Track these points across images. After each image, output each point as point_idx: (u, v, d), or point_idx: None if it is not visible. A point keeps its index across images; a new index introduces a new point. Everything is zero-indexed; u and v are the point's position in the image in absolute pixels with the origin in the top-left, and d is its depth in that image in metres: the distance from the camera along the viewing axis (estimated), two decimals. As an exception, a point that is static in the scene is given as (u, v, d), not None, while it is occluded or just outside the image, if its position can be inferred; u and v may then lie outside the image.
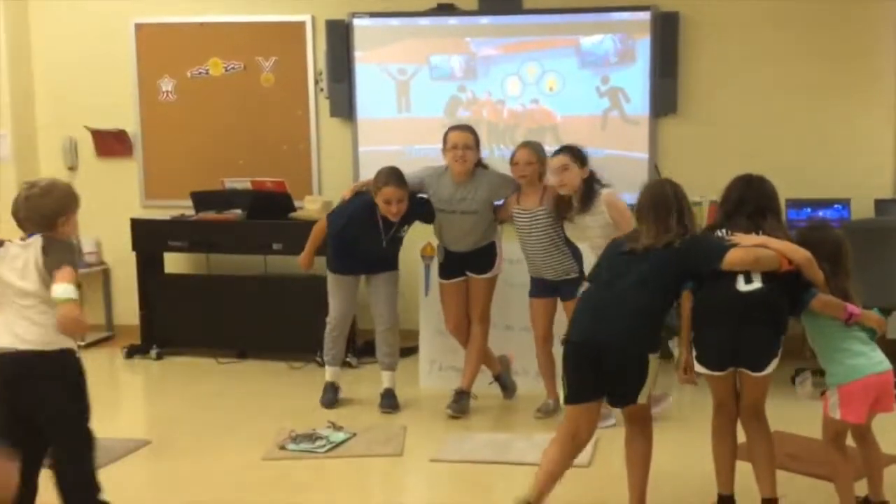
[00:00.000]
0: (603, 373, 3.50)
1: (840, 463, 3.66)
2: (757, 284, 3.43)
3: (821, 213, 5.92)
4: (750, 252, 3.45)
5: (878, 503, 3.75)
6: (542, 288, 5.07)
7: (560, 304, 5.08)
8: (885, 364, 3.57)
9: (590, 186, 4.81)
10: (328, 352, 5.52)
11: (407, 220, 5.23)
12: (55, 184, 3.48)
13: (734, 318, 3.45)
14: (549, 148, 5.25)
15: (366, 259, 5.34)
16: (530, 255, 5.09)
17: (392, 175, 5.08)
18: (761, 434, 3.69)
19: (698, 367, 3.58)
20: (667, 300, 3.62)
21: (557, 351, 4.88)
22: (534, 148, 5.12)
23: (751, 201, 3.65)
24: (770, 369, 3.51)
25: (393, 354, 5.47)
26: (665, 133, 6.50)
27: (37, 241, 3.26)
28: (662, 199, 3.65)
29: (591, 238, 4.81)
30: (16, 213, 3.35)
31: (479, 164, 5.20)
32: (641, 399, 3.58)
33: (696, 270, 3.56)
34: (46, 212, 3.31)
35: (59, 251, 3.26)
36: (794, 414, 5.03)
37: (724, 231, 3.65)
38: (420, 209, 5.23)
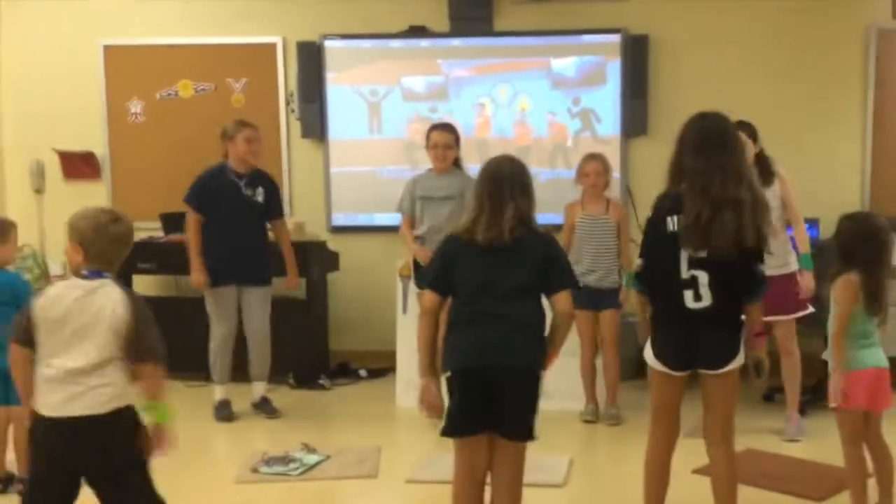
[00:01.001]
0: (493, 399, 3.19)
1: (854, 462, 3.67)
2: (706, 302, 3.33)
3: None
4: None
5: None
6: (585, 298, 5.14)
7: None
8: (885, 361, 3.69)
9: (764, 162, 4.96)
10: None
11: (265, 187, 5.57)
12: None
13: (689, 326, 3.37)
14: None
15: (240, 250, 5.47)
16: (582, 259, 5.35)
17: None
18: (724, 453, 3.49)
19: (657, 365, 3.45)
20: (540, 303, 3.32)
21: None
22: (603, 161, 5.45)
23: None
24: (732, 366, 3.40)
25: (265, 365, 5.66)
26: (636, 154, 6.55)
27: None
28: (499, 178, 3.30)
29: None
30: None
31: (457, 163, 5.45)
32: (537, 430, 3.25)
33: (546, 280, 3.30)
34: None
35: None
36: (767, 431, 5.12)
37: (674, 217, 3.39)
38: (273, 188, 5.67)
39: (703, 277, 3.33)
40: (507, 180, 3.27)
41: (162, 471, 4.63)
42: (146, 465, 3.06)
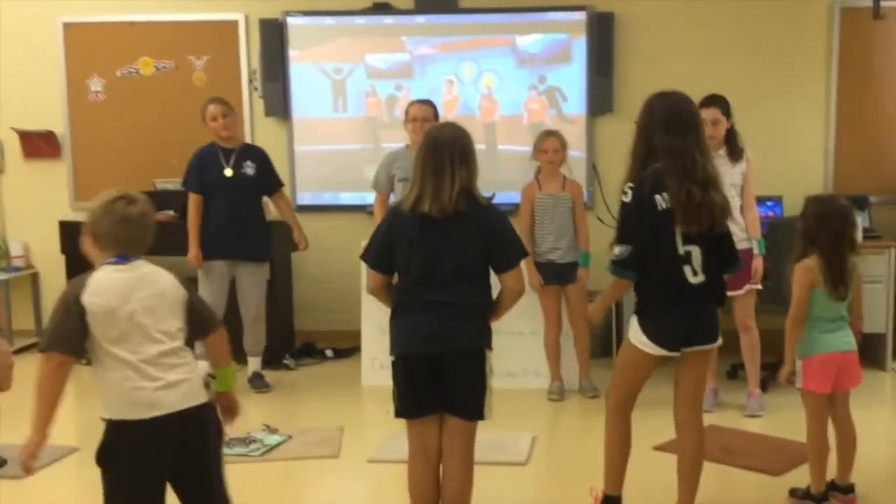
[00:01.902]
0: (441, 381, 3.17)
1: (816, 439, 3.68)
2: (702, 277, 3.35)
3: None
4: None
5: (844, 486, 3.76)
6: (550, 274, 5.37)
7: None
8: (851, 344, 3.68)
9: (734, 138, 5.01)
10: None
11: (255, 160, 5.64)
12: None
13: (692, 304, 3.37)
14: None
15: (232, 226, 5.48)
16: (545, 237, 5.38)
17: None
18: (696, 433, 3.50)
19: (651, 348, 3.38)
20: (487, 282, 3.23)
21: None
22: (560, 138, 5.41)
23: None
24: (720, 341, 3.49)
25: (259, 343, 5.73)
26: (602, 132, 6.53)
27: None
28: (440, 145, 3.17)
29: None
30: None
31: None
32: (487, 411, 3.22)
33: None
34: None
35: None
36: (729, 407, 5.16)
37: (662, 195, 3.32)
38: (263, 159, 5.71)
39: (696, 252, 3.34)
40: (447, 148, 3.15)
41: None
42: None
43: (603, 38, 6.42)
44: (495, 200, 3.49)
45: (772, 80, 6.40)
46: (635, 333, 3.45)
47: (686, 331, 3.40)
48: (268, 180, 5.69)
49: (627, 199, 3.38)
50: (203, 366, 4.84)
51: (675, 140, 3.33)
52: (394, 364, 3.23)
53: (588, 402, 5.33)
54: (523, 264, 3.32)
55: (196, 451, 2.78)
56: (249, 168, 5.58)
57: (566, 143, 5.47)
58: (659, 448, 4.37)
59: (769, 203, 6.09)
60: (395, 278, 3.27)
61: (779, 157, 6.24)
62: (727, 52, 6.40)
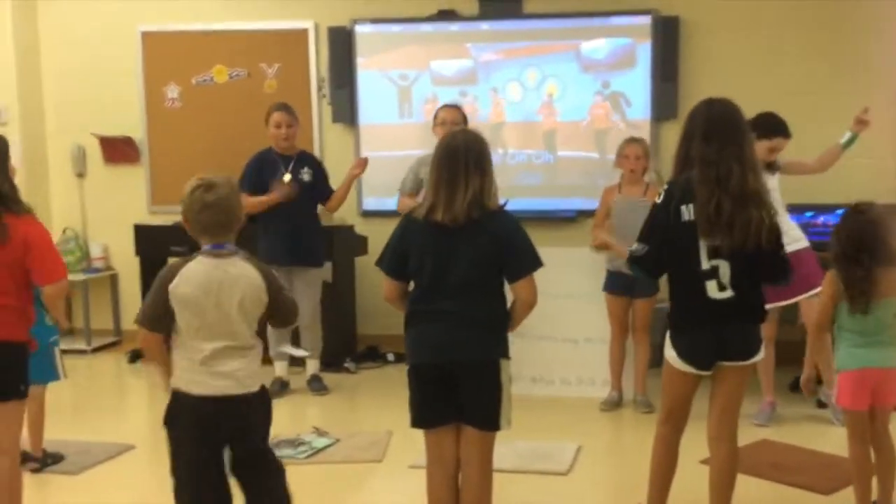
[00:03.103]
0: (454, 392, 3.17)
1: (857, 459, 3.58)
2: (730, 293, 3.26)
3: (821, 219, 5.83)
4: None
5: None
6: (619, 283, 5.27)
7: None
8: (892, 360, 3.52)
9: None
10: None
11: (311, 167, 5.76)
12: None
13: (716, 319, 3.29)
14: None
15: (288, 232, 5.56)
16: (618, 242, 5.11)
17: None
18: (729, 450, 3.43)
19: (681, 365, 3.35)
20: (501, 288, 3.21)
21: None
22: (644, 145, 5.39)
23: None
24: (759, 356, 3.38)
25: (316, 346, 5.84)
26: (666, 138, 6.42)
27: None
28: (454, 154, 3.14)
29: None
30: None
31: None
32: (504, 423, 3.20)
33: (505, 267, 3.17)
34: None
35: None
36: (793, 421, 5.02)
37: (689, 206, 3.26)
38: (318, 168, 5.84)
39: (724, 267, 3.25)
40: (461, 156, 3.11)
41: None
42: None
43: (668, 42, 6.33)
44: (509, 208, 3.35)
45: (840, 83, 6.20)
46: (667, 348, 3.42)
47: (713, 347, 3.32)
48: (322, 188, 5.78)
49: (659, 199, 3.38)
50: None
51: (712, 150, 3.25)
52: (408, 374, 3.25)
53: (641, 416, 5.25)
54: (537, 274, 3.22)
55: (241, 431, 3.00)
56: (307, 174, 5.69)
57: (649, 151, 5.43)
58: (705, 462, 4.28)
59: (839, 211, 5.88)
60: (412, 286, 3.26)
61: (849, 163, 6.00)
62: (794, 54, 6.23)
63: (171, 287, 2.90)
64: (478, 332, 3.14)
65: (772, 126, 4.86)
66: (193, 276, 2.90)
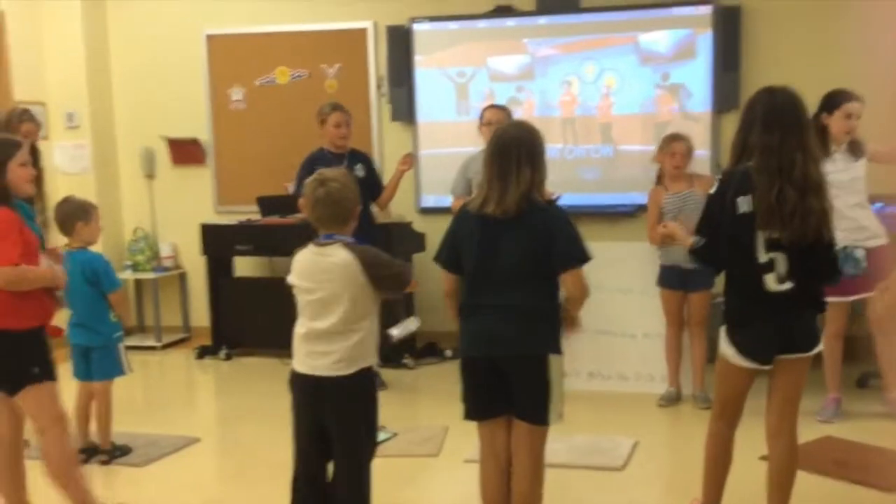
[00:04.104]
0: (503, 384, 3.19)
1: None
2: (788, 285, 3.21)
3: (889, 209, 5.68)
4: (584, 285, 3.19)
5: None
6: (673, 278, 5.26)
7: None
8: None
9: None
10: None
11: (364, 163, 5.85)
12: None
13: (778, 313, 3.24)
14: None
15: None
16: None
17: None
18: (789, 445, 3.40)
19: (737, 359, 3.31)
20: (552, 285, 3.20)
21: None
22: (689, 143, 5.34)
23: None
24: (819, 348, 3.34)
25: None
26: (728, 129, 6.30)
27: None
28: (506, 146, 3.17)
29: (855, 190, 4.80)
30: None
31: None
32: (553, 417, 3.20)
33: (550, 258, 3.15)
34: None
35: None
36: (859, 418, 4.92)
37: (746, 198, 3.20)
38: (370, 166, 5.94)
39: (781, 259, 3.21)
40: (513, 149, 3.14)
41: (239, 447, 4.88)
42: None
43: (729, 32, 6.23)
44: (562, 202, 3.42)
45: (910, 71, 6.03)
46: (723, 344, 3.38)
47: (775, 341, 3.28)
48: (374, 184, 5.85)
49: (713, 190, 3.35)
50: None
51: (773, 138, 3.19)
52: (460, 366, 3.29)
53: (699, 412, 5.17)
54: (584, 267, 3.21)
55: (332, 411, 3.20)
56: (360, 171, 5.75)
57: (693, 149, 5.37)
58: (765, 458, 4.22)
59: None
60: None
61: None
62: (858, 44, 6.07)
63: (289, 277, 3.24)
64: (525, 327, 3.15)
65: (836, 94, 4.81)
66: (297, 265, 3.21)
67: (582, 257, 3.16)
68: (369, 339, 3.22)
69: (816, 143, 3.37)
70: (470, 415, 3.30)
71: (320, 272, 3.14)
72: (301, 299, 3.20)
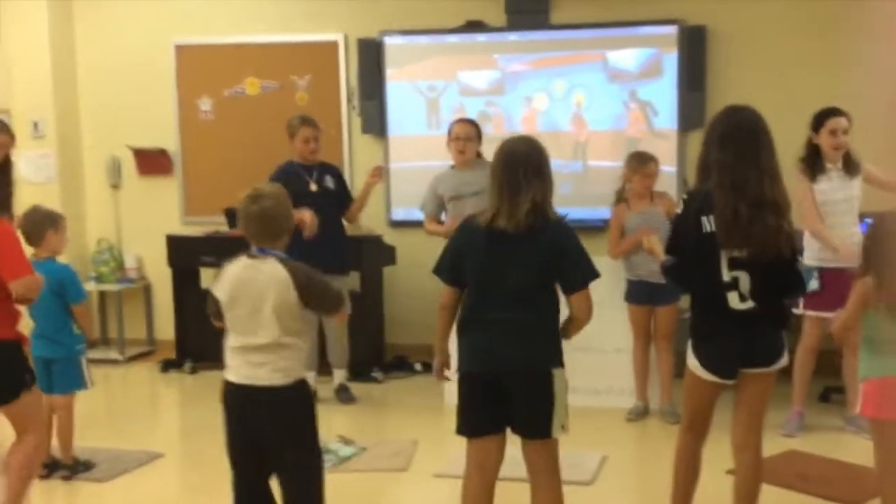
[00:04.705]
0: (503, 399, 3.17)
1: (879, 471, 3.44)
2: (751, 303, 3.26)
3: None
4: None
5: None
6: (641, 293, 5.31)
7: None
8: None
9: (848, 152, 4.94)
10: None
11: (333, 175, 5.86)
12: None
13: (738, 329, 3.29)
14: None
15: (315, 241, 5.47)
16: (639, 252, 5.15)
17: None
18: (754, 459, 3.43)
19: (702, 373, 3.35)
20: (554, 299, 3.20)
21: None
22: (657, 163, 5.41)
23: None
24: (780, 363, 3.37)
25: (343, 355, 5.90)
26: (693, 147, 6.34)
27: None
28: (514, 161, 3.15)
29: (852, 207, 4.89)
30: None
31: (479, 156, 5.53)
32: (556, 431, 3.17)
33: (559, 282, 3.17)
34: None
35: None
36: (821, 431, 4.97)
37: (709, 217, 3.26)
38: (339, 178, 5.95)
39: (744, 278, 3.26)
40: (521, 163, 3.12)
41: (203, 462, 4.82)
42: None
43: (694, 52, 6.32)
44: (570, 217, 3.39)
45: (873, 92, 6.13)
46: (690, 357, 3.42)
47: (739, 356, 3.32)
48: (344, 196, 5.85)
49: (679, 210, 3.42)
50: None
51: (727, 156, 3.25)
52: (458, 382, 3.25)
53: (667, 427, 5.20)
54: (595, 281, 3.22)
55: (271, 422, 3.09)
56: (330, 183, 5.77)
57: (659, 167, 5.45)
58: (731, 472, 4.25)
59: (866, 220, 5.84)
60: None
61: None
62: (824, 62, 6.17)
63: (213, 289, 3.14)
64: (528, 343, 3.13)
65: (820, 112, 4.91)
66: (225, 277, 3.11)
67: (591, 275, 3.18)
68: (303, 354, 3.19)
69: (776, 162, 3.39)
70: (464, 430, 3.25)
71: (252, 286, 3.06)
72: (230, 314, 3.09)
